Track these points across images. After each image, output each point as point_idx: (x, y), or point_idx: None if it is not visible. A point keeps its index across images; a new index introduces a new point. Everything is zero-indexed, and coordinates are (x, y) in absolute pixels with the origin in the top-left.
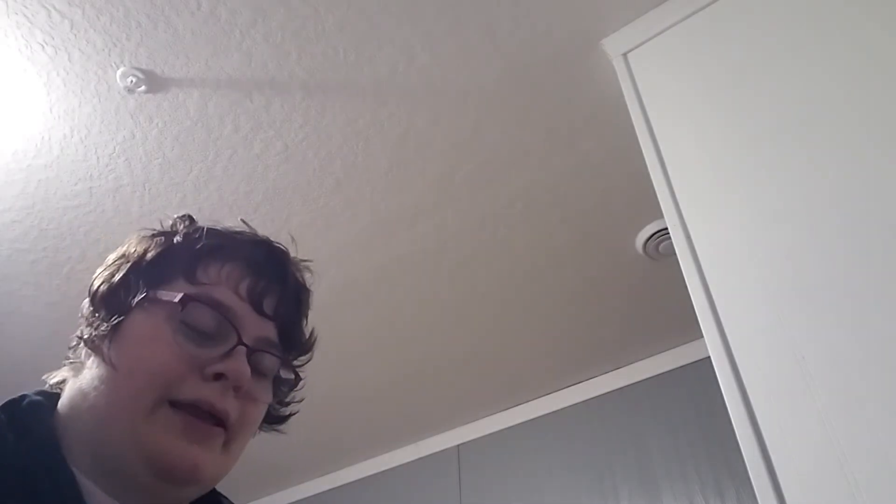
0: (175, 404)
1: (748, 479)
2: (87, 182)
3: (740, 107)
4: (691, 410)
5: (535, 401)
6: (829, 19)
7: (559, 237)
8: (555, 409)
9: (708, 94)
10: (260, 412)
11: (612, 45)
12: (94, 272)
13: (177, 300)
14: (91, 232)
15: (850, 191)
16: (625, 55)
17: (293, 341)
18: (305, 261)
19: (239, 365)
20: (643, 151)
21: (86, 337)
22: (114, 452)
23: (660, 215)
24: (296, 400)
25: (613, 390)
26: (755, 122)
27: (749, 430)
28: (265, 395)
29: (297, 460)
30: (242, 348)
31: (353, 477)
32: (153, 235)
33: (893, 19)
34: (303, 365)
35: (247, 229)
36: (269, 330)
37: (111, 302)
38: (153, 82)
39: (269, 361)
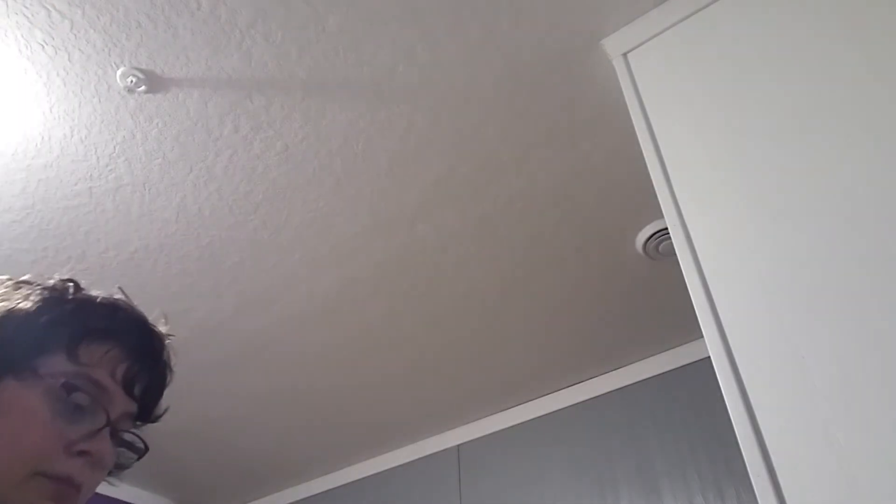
0: (44, 475)
1: (748, 479)
2: (87, 182)
3: (740, 107)
4: (691, 410)
5: (535, 401)
6: (829, 19)
7: (559, 237)
8: (555, 409)
9: (708, 93)
10: (104, 476)
11: (612, 45)
12: (93, 272)
13: (60, 384)
14: (91, 232)
15: (851, 191)
16: (625, 55)
17: (149, 417)
18: (170, 336)
19: (104, 445)
20: (643, 151)
21: None
22: None
23: (660, 215)
24: (130, 462)
25: (613, 390)
26: (755, 121)
27: (749, 430)
28: (112, 461)
29: (298, 460)
30: (108, 429)
31: (353, 477)
32: (41, 292)
33: (893, 19)
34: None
35: (127, 304)
36: (132, 407)
37: None
38: (153, 82)
39: (126, 435)
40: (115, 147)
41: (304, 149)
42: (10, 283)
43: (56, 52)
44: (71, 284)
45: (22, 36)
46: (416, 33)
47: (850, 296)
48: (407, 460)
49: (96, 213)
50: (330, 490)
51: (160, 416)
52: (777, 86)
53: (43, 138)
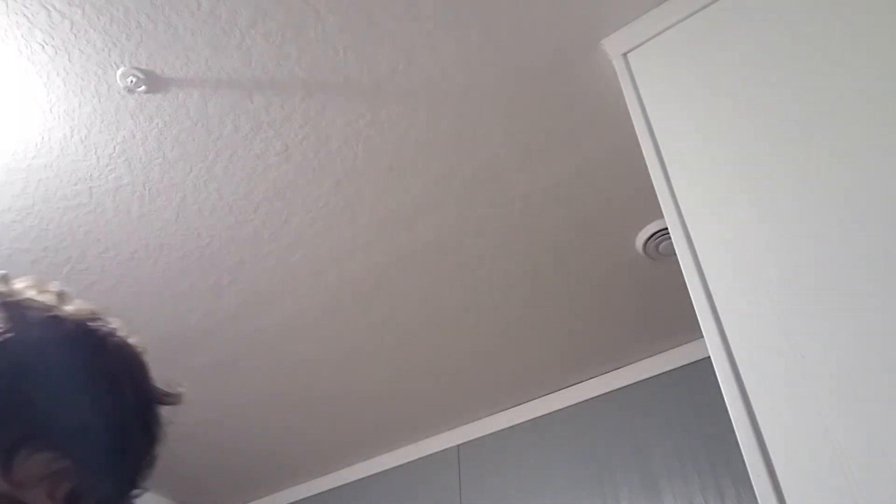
0: None
1: (748, 479)
2: (87, 182)
3: (740, 106)
4: (691, 410)
5: (535, 401)
6: (829, 19)
7: (559, 237)
8: (555, 409)
9: (708, 93)
10: None
11: (612, 45)
12: (93, 272)
13: None
14: (91, 232)
15: (851, 190)
16: (625, 55)
17: None
18: (174, 399)
19: None
20: (643, 151)
21: None
22: None
23: (660, 215)
24: None
25: (613, 390)
26: (755, 121)
27: (749, 430)
28: None
29: (298, 460)
30: None
31: (353, 477)
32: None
33: (893, 19)
34: None
35: (114, 342)
36: None
37: None
38: (153, 82)
39: None
40: (115, 147)
41: (304, 149)
42: None
43: (56, 52)
44: (41, 321)
45: (22, 36)
46: (416, 33)
47: (851, 295)
48: (407, 460)
49: (96, 213)
50: (330, 490)
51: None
52: (777, 85)
53: (43, 138)
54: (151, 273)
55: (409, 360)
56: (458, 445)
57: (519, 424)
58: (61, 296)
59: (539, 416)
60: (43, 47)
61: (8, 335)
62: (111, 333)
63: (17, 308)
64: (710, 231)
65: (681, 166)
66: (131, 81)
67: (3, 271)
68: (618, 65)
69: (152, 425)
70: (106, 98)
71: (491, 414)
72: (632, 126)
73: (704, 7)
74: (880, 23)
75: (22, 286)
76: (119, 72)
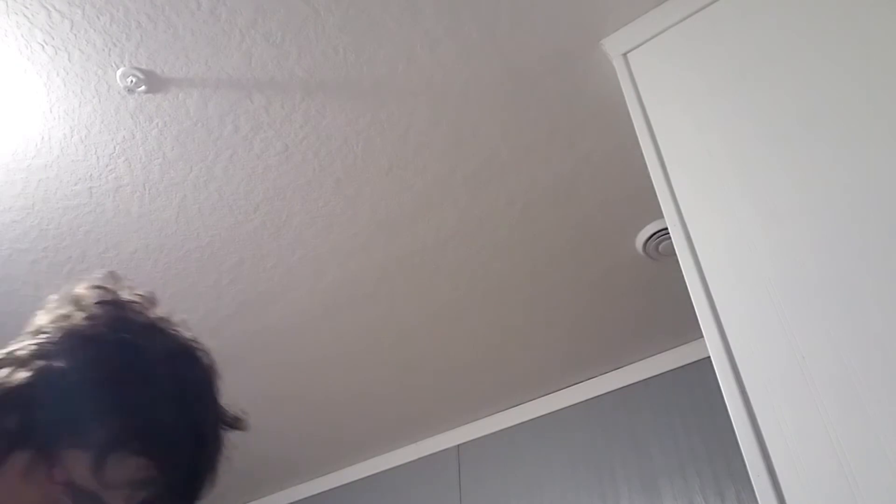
0: None
1: (748, 479)
2: (87, 182)
3: (740, 106)
4: (691, 410)
5: (535, 401)
6: (828, 19)
7: (559, 237)
8: (555, 409)
9: (708, 93)
10: None
11: (612, 45)
12: (94, 272)
13: (64, 499)
14: (91, 232)
15: (851, 190)
16: (625, 55)
17: None
18: (240, 425)
19: None
20: (643, 151)
21: None
22: None
23: (660, 215)
24: None
25: (613, 390)
26: (755, 121)
27: (749, 430)
28: None
29: (298, 460)
30: None
31: (353, 477)
32: (103, 348)
33: (893, 19)
34: None
35: (201, 361)
36: None
37: (9, 416)
38: (153, 82)
39: None
40: (115, 147)
41: (304, 149)
42: (92, 301)
43: (56, 52)
44: (147, 327)
45: (22, 36)
46: (416, 33)
47: (850, 295)
48: (407, 460)
49: (96, 213)
50: (330, 490)
51: None
52: (777, 85)
53: (43, 138)
54: (151, 273)
55: (408, 360)
56: (458, 445)
57: (519, 424)
58: (152, 301)
59: (539, 416)
60: (43, 47)
61: (123, 336)
62: (205, 353)
63: (126, 311)
64: (710, 231)
65: (681, 166)
66: (131, 81)
67: (112, 270)
68: (618, 65)
69: (221, 448)
70: (106, 98)
71: (491, 414)
72: (631, 126)
73: (704, 7)
74: (880, 23)
75: (125, 288)
76: (119, 72)
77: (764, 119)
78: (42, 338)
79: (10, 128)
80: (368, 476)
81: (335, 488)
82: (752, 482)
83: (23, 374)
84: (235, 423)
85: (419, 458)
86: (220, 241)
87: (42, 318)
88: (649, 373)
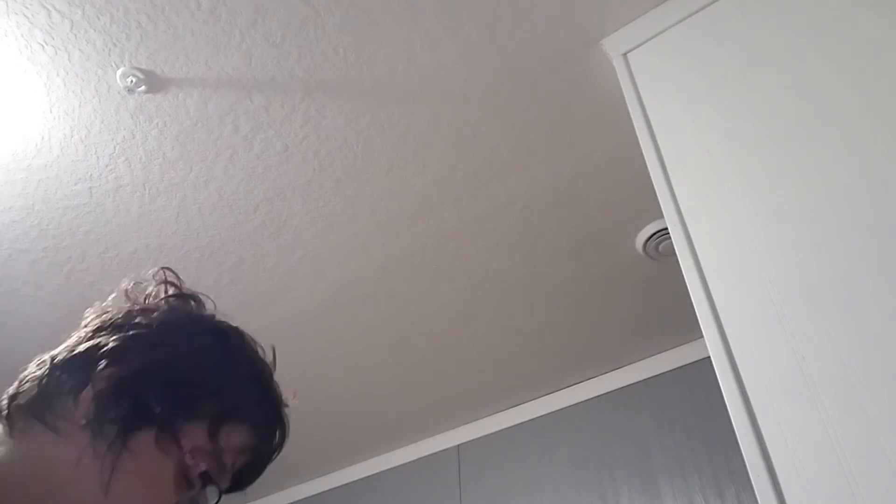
0: None
1: (748, 479)
2: (87, 182)
3: (740, 106)
4: (691, 410)
5: (535, 401)
6: (829, 19)
7: (559, 237)
8: (555, 409)
9: (708, 93)
10: None
11: (612, 45)
12: (94, 272)
13: (199, 473)
14: (91, 232)
15: (851, 190)
16: (625, 55)
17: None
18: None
19: None
20: (643, 151)
21: (89, 420)
22: None
23: (660, 215)
24: None
25: (613, 390)
26: (755, 121)
27: (749, 430)
28: None
29: (298, 460)
30: None
31: (353, 477)
32: (189, 333)
33: (893, 19)
34: None
35: (268, 359)
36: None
37: (124, 403)
38: (153, 82)
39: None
40: (115, 147)
41: (304, 149)
42: (162, 294)
43: (56, 52)
44: (224, 327)
45: (22, 36)
46: (416, 33)
47: (850, 296)
48: (407, 460)
49: (96, 213)
50: (330, 490)
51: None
52: (777, 85)
53: (43, 138)
54: None
55: (408, 360)
56: (458, 445)
57: (519, 424)
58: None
59: (539, 416)
60: (43, 47)
61: (205, 325)
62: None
63: (196, 302)
64: (710, 231)
65: (681, 166)
66: (131, 81)
67: (165, 267)
68: (618, 65)
69: (288, 426)
70: (106, 98)
71: (491, 414)
72: (632, 126)
73: (704, 7)
74: (880, 23)
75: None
76: (119, 72)
77: (764, 119)
78: (134, 330)
79: (10, 128)
80: (368, 476)
81: (335, 488)
82: (752, 482)
83: (128, 365)
84: (286, 404)
85: (419, 458)
86: (220, 241)
87: (110, 311)
88: (649, 373)
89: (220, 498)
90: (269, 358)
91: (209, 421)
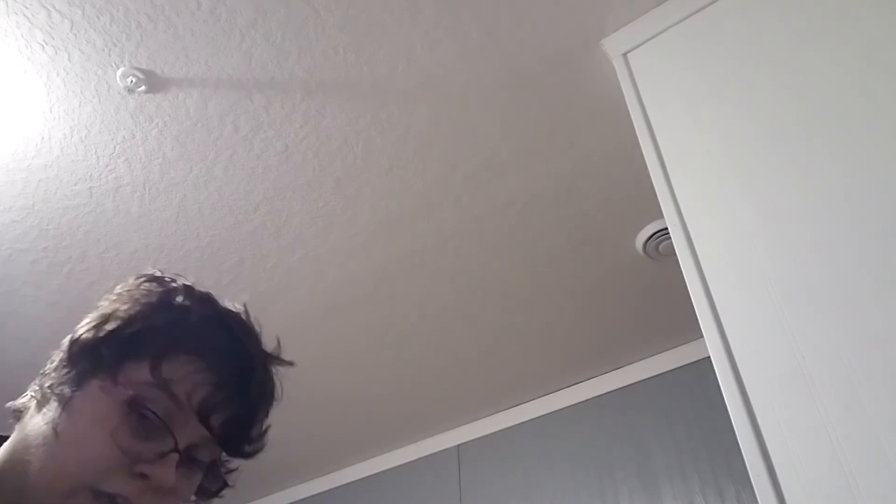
0: (95, 492)
1: (748, 479)
2: (87, 182)
3: (740, 106)
4: (691, 410)
5: (535, 401)
6: (829, 19)
7: (559, 237)
8: (555, 409)
9: (708, 93)
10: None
11: (612, 45)
12: (94, 272)
13: (129, 396)
14: (91, 232)
15: (851, 190)
16: (625, 55)
17: (235, 451)
18: (287, 363)
19: (165, 472)
20: (643, 151)
21: (50, 384)
22: None
23: (660, 215)
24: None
25: (613, 390)
26: (755, 121)
27: (749, 430)
28: (186, 493)
29: (298, 460)
30: (175, 455)
31: (353, 477)
32: (146, 296)
33: (893, 19)
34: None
35: (239, 321)
36: (208, 437)
37: (80, 361)
38: (153, 82)
39: (202, 460)
40: (115, 147)
41: (304, 149)
42: (138, 280)
43: (56, 52)
44: (181, 289)
45: (22, 36)
46: (416, 33)
47: (850, 296)
48: (407, 460)
49: (96, 213)
50: (330, 490)
51: (253, 453)
52: (777, 85)
53: (43, 138)
54: None
55: (408, 360)
56: (458, 445)
57: (519, 424)
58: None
59: (539, 416)
60: (43, 47)
61: (180, 299)
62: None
63: (183, 287)
64: (710, 231)
65: (681, 166)
66: (131, 81)
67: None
68: (618, 65)
69: (272, 379)
70: (106, 98)
71: (491, 414)
72: (632, 126)
73: (704, 7)
74: (880, 23)
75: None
76: (119, 72)
77: (764, 119)
78: (108, 307)
79: (10, 128)
80: (368, 476)
81: (335, 488)
82: (752, 482)
83: (95, 331)
84: (279, 361)
85: (419, 458)
86: (220, 241)
87: (102, 305)
88: (649, 373)
89: (224, 488)
90: (272, 346)
91: (150, 356)
